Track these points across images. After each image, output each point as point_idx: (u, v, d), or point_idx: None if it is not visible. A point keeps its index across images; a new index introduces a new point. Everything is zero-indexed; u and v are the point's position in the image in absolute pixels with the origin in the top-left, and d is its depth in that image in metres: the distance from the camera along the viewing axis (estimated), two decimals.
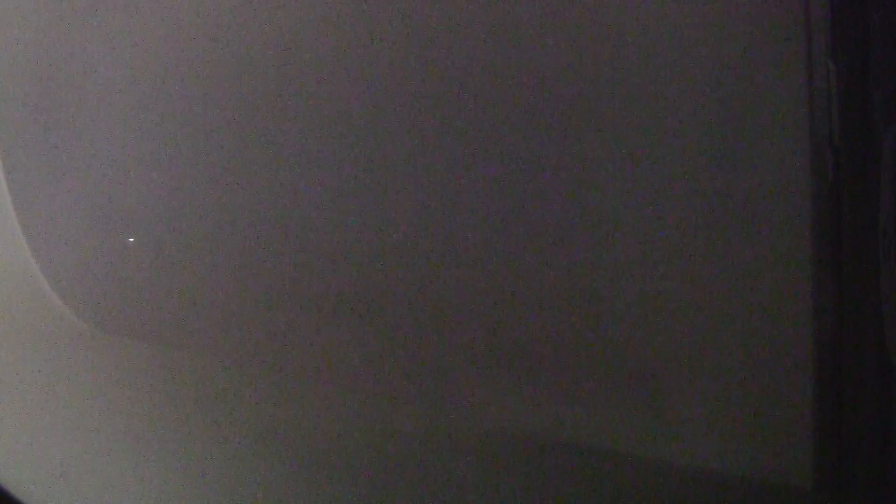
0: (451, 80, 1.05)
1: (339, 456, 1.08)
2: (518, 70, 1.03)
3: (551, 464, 0.99)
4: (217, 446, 1.13)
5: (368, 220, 1.09)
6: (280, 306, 1.13)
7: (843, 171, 0.91)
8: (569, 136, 1.01)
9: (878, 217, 0.89)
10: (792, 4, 0.94)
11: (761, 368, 0.94)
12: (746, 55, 0.95)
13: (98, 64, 1.25)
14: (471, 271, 1.05)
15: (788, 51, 0.94)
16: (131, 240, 1.21)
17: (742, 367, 0.94)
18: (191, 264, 1.19)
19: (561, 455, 0.98)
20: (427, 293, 1.06)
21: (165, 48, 1.21)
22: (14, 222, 1.27)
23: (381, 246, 1.08)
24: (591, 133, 1.01)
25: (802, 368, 0.91)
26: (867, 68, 0.92)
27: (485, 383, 1.04)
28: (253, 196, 1.15)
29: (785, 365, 0.93)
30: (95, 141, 1.26)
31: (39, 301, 1.23)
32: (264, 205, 1.14)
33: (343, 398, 1.09)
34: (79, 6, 1.27)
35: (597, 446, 0.97)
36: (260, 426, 1.12)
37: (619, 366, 0.98)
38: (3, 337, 1.29)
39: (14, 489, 1.16)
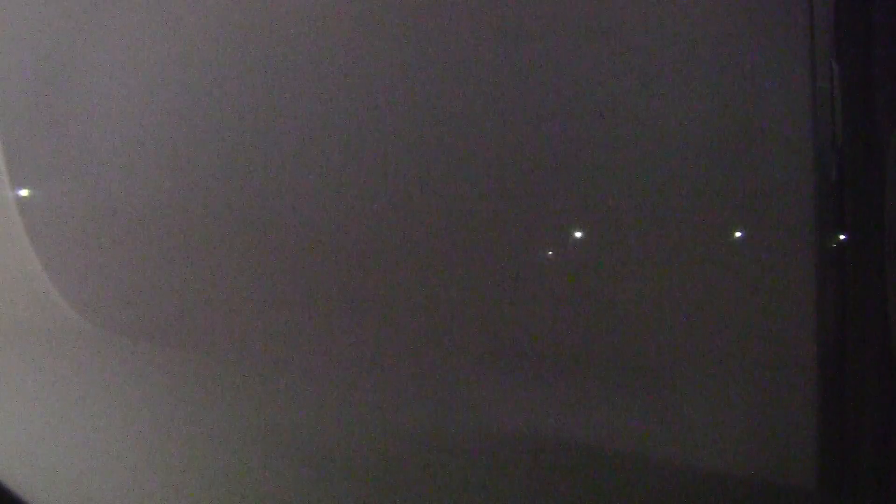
0: (453, 80, 1.06)
1: (340, 456, 1.07)
2: (520, 71, 1.03)
3: (552, 464, 0.98)
4: (217, 445, 1.13)
5: (369, 220, 1.09)
6: (280, 306, 1.13)
7: (847, 171, 0.91)
8: (572, 136, 1.02)
9: (882, 216, 0.89)
10: (796, 6, 0.94)
11: (765, 369, 0.93)
12: (750, 56, 0.96)
13: (101, 64, 1.26)
14: (472, 271, 1.04)
15: (792, 52, 0.94)
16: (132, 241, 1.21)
17: (746, 368, 0.94)
18: (192, 264, 1.19)
19: (562, 455, 0.98)
20: (427, 293, 1.06)
21: (168, 48, 1.21)
22: (17, 222, 1.27)
23: (381, 246, 1.08)
24: (596, 135, 1.01)
25: (806, 368, 0.91)
26: (870, 69, 0.92)
27: (486, 383, 1.03)
28: (254, 196, 1.15)
29: (789, 365, 0.93)
30: (98, 141, 1.26)
31: (42, 300, 1.23)
32: (266, 205, 1.14)
33: (343, 398, 1.09)
34: (81, 6, 1.28)
35: (599, 446, 0.97)
36: (260, 425, 1.12)
37: (622, 366, 0.98)
38: (6, 336, 1.29)
39: (14, 489, 1.16)
